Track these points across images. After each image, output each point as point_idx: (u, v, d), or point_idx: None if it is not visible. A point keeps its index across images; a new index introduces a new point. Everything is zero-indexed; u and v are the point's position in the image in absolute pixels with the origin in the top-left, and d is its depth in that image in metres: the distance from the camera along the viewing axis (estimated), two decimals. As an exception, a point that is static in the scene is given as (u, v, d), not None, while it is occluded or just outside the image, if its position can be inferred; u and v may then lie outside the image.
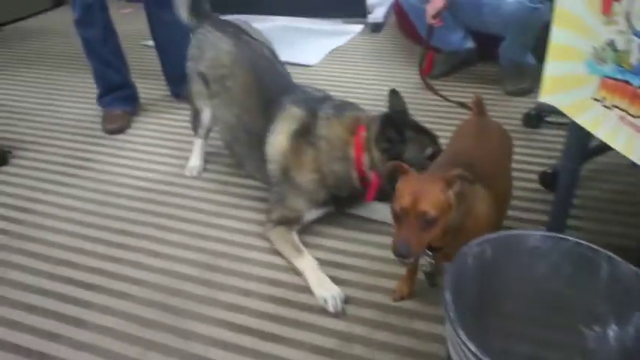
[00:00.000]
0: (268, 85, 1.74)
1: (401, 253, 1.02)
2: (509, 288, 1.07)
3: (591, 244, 1.00)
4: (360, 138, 1.53)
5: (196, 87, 1.94)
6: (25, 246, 1.73)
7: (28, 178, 2.10)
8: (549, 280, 1.04)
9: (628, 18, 0.94)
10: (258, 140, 1.67)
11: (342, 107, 1.62)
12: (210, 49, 1.86)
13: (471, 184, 1.08)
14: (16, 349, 1.37)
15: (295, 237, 1.61)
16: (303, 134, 1.58)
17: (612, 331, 0.99)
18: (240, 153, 1.79)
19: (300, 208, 1.63)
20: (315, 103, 1.64)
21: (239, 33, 1.90)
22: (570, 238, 1.02)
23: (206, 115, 1.96)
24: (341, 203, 1.69)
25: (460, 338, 0.84)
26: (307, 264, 1.53)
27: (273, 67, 1.85)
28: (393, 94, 1.52)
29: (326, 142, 1.56)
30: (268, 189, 1.76)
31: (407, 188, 1.05)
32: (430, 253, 1.19)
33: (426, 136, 1.55)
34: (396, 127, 1.47)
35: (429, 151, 1.51)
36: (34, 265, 1.65)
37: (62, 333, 1.41)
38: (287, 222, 1.63)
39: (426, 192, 1.03)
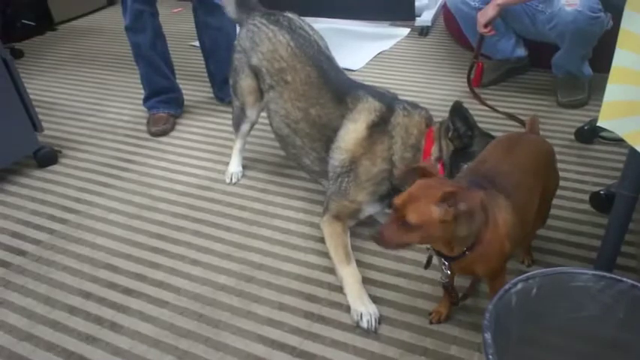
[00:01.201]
0: (335, 79, 1.76)
1: (374, 237, 1.10)
2: (555, 326, 1.01)
3: (649, 288, 0.93)
4: (433, 131, 1.59)
5: (246, 80, 1.92)
6: (69, 246, 1.78)
7: (75, 178, 2.16)
8: (600, 322, 0.98)
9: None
10: (325, 132, 1.68)
11: (416, 105, 1.67)
12: (265, 41, 1.84)
13: (468, 204, 1.05)
14: (57, 349, 1.41)
15: (349, 241, 1.60)
16: (380, 125, 1.61)
17: (668, 382, 0.92)
18: (300, 145, 1.77)
19: (362, 200, 1.62)
20: (390, 98, 1.69)
21: (293, 26, 1.89)
22: (626, 280, 0.95)
23: (253, 110, 1.97)
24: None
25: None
26: (352, 275, 1.51)
27: (332, 62, 1.85)
28: (460, 107, 1.53)
29: (403, 129, 1.60)
30: (323, 186, 1.78)
31: (412, 189, 1.08)
32: (446, 263, 1.20)
33: (492, 138, 1.56)
34: (466, 122, 1.51)
35: None
36: (77, 266, 1.69)
37: (100, 337, 1.44)
38: (345, 215, 1.63)
39: (419, 199, 1.05)
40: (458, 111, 1.51)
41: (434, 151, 1.57)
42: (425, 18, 3.40)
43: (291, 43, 1.81)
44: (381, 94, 1.69)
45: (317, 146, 1.72)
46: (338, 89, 1.71)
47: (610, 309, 0.96)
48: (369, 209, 1.66)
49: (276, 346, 1.38)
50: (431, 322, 1.41)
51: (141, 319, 1.48)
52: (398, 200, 1.07)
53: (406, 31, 3.42)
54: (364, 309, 1.42)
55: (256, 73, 1.87)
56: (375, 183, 1.61)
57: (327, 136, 1.68)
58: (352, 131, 1.63)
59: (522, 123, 2.25)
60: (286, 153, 1.91)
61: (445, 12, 3.34)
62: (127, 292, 1.58)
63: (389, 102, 1.65)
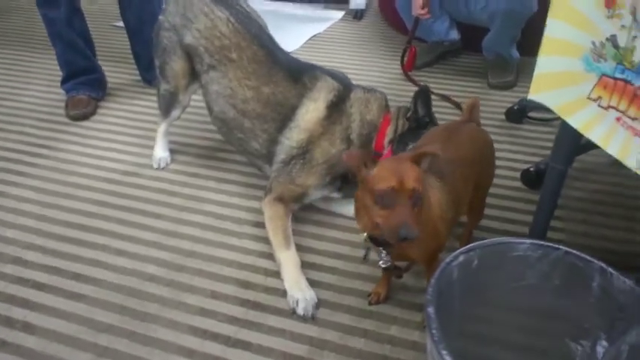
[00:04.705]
0: (283, 57, 1.69)
1: (405, 236, 0.97)
2: (496, 297, 1.00)
3: (583, 254, 0.93)
4: (390, 113, 1.60)
5: (178, 62, 1.77)
6: (-26, 241, 1.60)
7: (-18, 166, 1.96)
8: (538, 289, 0.98)
9: (634, 12, 0.86)
10: (281, 110, 1.60)
11: (371, 88, 1.67)
12: (201, 17, 1.70)
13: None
14: (-43, 356, 1.26)
15: (289, 225, 1.54)
16: (339, 104, 1.58)
17: (602, 347, 0.93)
18: (249, 128, 1.66)
19: (310, 185, 1.57)
20: (345, 78, 1.68)
21: (230, 1, 1.76)
22: (561, 247, 0.95)
23: (186, 94, 1.83)
24: (344, 184, 1.64)
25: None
26: (290, 260, 1.45)
27: (274, 40, 1.77)
28: (426, 92, 1.56)
29: (363, 104, 1.59)
30: (263, 172, 1.73)
31: (386, 170, 1.03)
32: (383, 252, 1.16)
33: None
34: (428, 107, 1.55)
35: None
36: (-18, 262, 1.52)
37: (8, 339, 1.29)
38: (289, 198, 1.57)
39: (406, 170, 1.02)
40: (423, 96, 1.53)
41: (389, 131, 1.56)
42: (359, 1, 3.37)
43: (232, 19, 1.69)
44: (335, 74, 1.66)
45: (269, 127, 1.63)
46: (291, 67, 1.64)
47: (547, 277, 0.96)
48: (316, 193, 1.60)
49: (209, 336, 1.30)
50: (370, 304, 1.38)
51: (55, 315, 1.35)
52: (392, 183, 0.99)
53: (340, 14, 3.38)
54: (301, 295, 1.36)
55: (189, 52, 1.74)
56: (330, 166, 1.55)
57: (282, 114, 1.60)
58: (313, 110, 1.57)
59: (456, 104, 2.27)
60: (227, 138, 1.78)
61: (379, -4, 3.33)
62: (40, 287, 1.43)
63: (345, 82, 1.64)
